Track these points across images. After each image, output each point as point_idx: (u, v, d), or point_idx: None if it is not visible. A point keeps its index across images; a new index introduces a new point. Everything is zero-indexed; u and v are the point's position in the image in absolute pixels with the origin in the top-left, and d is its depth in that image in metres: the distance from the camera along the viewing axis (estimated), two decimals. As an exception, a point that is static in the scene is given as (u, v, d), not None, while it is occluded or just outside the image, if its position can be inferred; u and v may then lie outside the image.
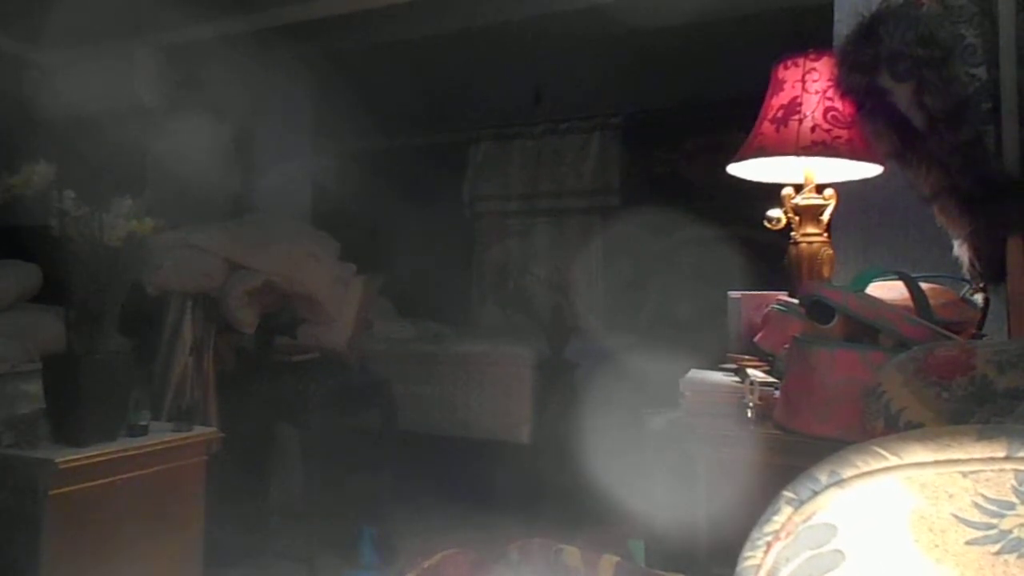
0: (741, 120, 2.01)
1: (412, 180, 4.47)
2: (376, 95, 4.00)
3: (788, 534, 0.54)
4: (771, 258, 2.01)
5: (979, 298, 1.57)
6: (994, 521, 0.51)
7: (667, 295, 3.94)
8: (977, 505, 0.51)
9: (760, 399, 1.47)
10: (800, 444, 1.34)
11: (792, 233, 1.79)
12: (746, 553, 0.56)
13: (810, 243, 1.75)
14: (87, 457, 1.94)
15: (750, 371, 1.62)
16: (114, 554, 1.99)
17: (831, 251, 1.76)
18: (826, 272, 1.74)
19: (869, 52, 1.54)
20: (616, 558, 1.09)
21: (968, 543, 0.51)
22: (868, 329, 1.35)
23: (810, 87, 1.73)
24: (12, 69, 3.53)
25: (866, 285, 1.41)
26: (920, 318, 1.33)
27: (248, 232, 3.27)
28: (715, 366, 1.76)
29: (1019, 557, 0.50)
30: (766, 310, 1.69)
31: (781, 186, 1.83)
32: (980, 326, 1.54)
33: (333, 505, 3.10)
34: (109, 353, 2.08)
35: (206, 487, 2.28)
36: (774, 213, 1.80)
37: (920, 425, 0.89)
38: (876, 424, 0.95)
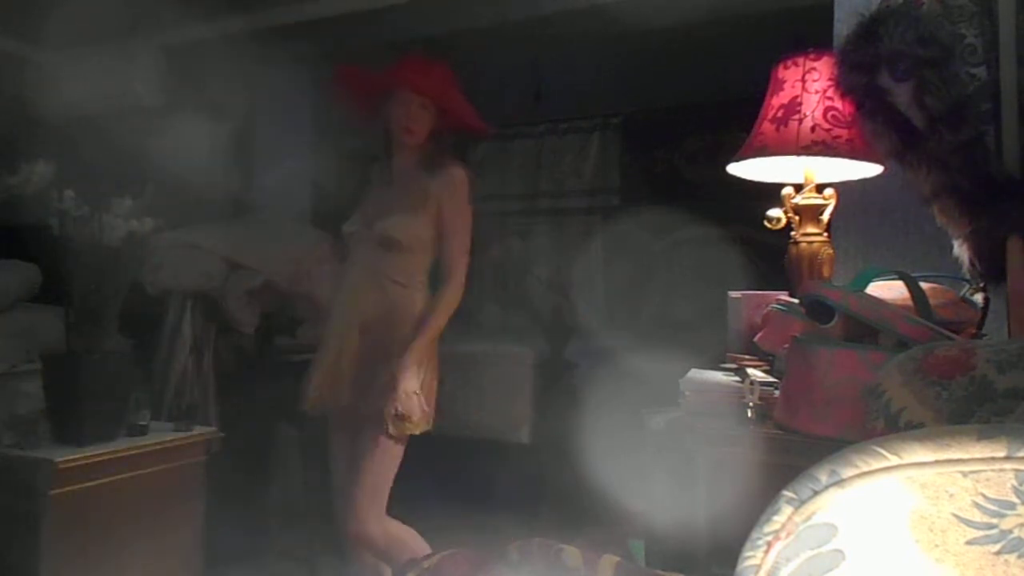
0: (741, 120, 2.01)
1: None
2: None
3: (788, 534, 0.54)
4: (771, 258, 2.01)
5: (979, 298, 1.57)
6: (994, 521, 0.51)
7: (667, 295, 3.93)
8: (977, 505, 0.51)
9: (760, 399, 1.47)
10: (800, 444, 1.34)
11: (792, 233, 1.79)
12: (746, 553, 0.56)
13: (810, 243, 1.75)
14: (87, 457, 1.94)
15: (750, 371, 1.62)
16: (114, 554, 1.99)
17: (831, 251, 1.76)
18: (826, 272, 1.74)
19: (869, 52, 1.54)
20: (616, 558, 1.09)
21: (968, 543, 0.51)
22: (868, 329, 1.35)
23: (810, 87, 1.73)
24: (12, 69, 3.53)
25: (866, 285, 1.41)
26: (920, 318, 1.33)
27: (248, 232, 3.28)
28: (715, 366, 1.76)
29: (1019, 557, 0.50)
30: (766, 310, 1.69)
31: (781, 186, 1.83)
32: (980, 326, 1.54)
33: (333, 505, 3.09)
34: (109, 353, 2.08)
35: (206, 487, 2.28)
36: (774, 213, 1.80)
37: (920, 425, 0.90)
38: (876, 424, 0.95)
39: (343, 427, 2.15)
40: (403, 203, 2.10)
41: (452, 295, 2.08)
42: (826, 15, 1.98)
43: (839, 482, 0.53)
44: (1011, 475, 0.51)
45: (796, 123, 1.70)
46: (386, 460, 2.05)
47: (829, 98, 1.69)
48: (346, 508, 2.08)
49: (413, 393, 2.00)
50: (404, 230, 2.08)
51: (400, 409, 1.98)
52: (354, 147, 3.73)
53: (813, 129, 1.68)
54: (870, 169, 1.75)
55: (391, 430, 2.01)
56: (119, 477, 2.02)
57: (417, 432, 2.07)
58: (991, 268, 1.51)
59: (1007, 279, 1.49)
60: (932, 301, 1.40)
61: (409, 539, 2.07)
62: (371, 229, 2.11)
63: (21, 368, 2.26)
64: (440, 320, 2.07)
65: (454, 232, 2.10)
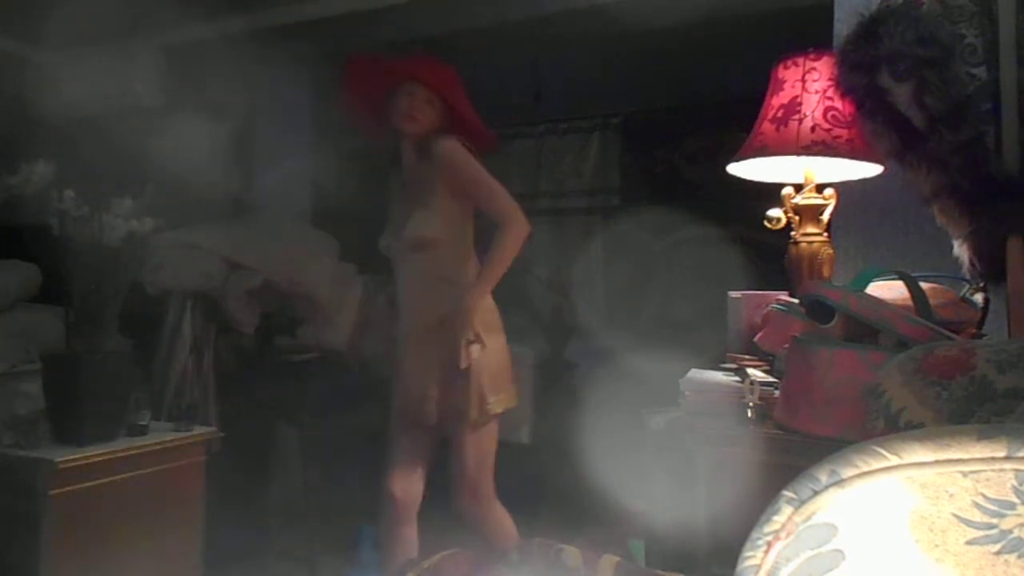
0: (741, 120, 2.01)
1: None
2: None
3: (788, 534, 0.54)
4: (771, 258, 2.01)
5: (979, 298, 1.57)
6: (994, 521, 0.51)
7: (667, 295, 3.93)
8: (977, 505, 0.51)
9: (760, 399, 1.47)
10: (800, 444, 1.34)
11: (792, 233, 1.79)
12: (746, 553, 0.56)
13: (810, 243, 1.75)
14: (87, 457, 1.94)
15: (750, 371, 1.62)
16: (114, 554, 1.99)
17: (831, 251, 1.76)
18: (826, 272, 1.74)
19: (869, 52, 1.54)
20: (616, 558, 1.09)
21: (968, 543, 0.51)
22: (868, 329, 1.35)
23: (810, 87, 1.73)
24: (12, 69, 3.53)
25: (866, 285, 1.41)
26: (920, 318, 1.33)
27: (248, 232, 3.27)
28: (715, 366, 1.76)
29: (1019, 557, 0.50)
30: (766, 310, 1.69)
31: (781, 186, 1.83)
32: (980, 326, 1.54)
33: (333, 505, 3.10)
34: (109, 353, 2.08)
35: (206, 487, 2.28)
36: (774, 213, 1.80)
37: (920, 425, 0.90)
38: (876, 424, 0.95)
39: (428, 430, 2.18)
40: (418, 200, 2.13)
41: (509, 240, 2.08)
42: (826, 15, 1.98)
43: (839, 482, 0.53)
44: (1011, 475, 0.51)
45: (796, 123, 1.70)
46: (483, 446, 2.12)
47: (829, 98, 1.69)
48: (459, 490, 2.15)
49: (469, 343, 2.01)
50: (428, 226, 2.09)
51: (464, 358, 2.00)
52: (354, 147, 3.74)
53: (813, 129, 1.68)
54: (870, 169, 1.75)
55: (474, 418, 2.06)
56: (119, 477, 2.02)
57: (500, 410, 2.09)
58: (991, 268, 1.51)
59: (1007, 279, 1.49)
60: (932, 301, 1.40)
61: (509, 526, 2.17)
62: (401, 239, 2.14)
63: (21, 368, 2.26)
64: (498, 266, 2.08)
65: (477, 192, 2.12)
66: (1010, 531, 0.50)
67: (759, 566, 0.55)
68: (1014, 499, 0.50)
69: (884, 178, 1.76)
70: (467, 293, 2.05)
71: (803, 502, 0.54)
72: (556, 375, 3.85)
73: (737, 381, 1.58)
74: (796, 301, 1.61)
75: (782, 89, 1.77)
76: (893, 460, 0.52)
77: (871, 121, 1.56)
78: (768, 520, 0.55)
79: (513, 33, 3.49)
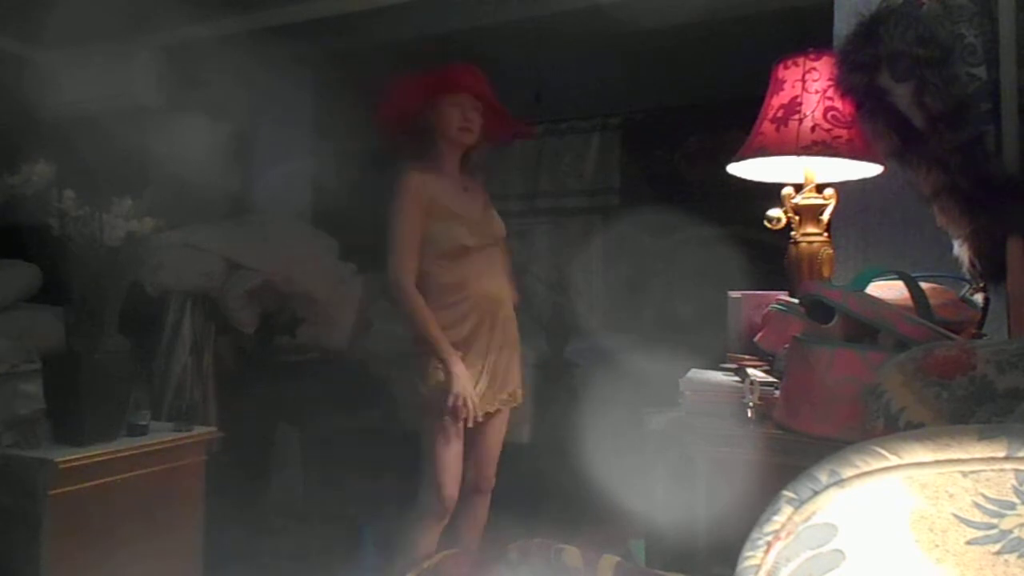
0: (741, 120, 2.01)
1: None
2: (376, 95, 3.97)
3: (788, 534, 0.54)
4: (771, 258, 2.01)
5: (979, 298, 1.57)
6: (994, 521, 0.51)
7: (667, 295, 3.93)
8: (977, 505, 0.51)
9: (760, 399, 1.47)
10: (800, 444, 1.34)
11: (792, 233, 1.79)
12: (746, 553, 0.56)
13: (810, 243, 1.75)
14: (87, 457, 1.94)
15: (750, 371, 1.62)
16: (114, 554, 1.99)
17: (831, 251, 1.76)
18: (826, 272, 1.74)
19: (869, 52, 1.54)
20: (616, 558, 1.09)
21: (968, 543, 0.51)
22: (868, 329, 1.35)
23: (810, 87, 1.73)
24: (12, 69, 3.53)
25: (866, 285, 1.41)
26: (920, 318, 1.33)
27: (248, 232, 3.28)
28: (715, 366, 1.76)
29: (1019, 557, 0.50)
30: (766, 310, 1.69)
31: (781, 186, 1.83)
32: (980, 326, 1.54)
33: (333, 505, 3.10)
34: (109, 353, 2.08)
35: (206, 487, 2.28)
36: (774, 213, 1.80)
37: (920, 425, 0.90)
38: (876, 424, 0.95)
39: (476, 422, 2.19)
40: (487, 205, 2.28)
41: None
42: (826, 15, 1.98)
43: (839, 482, 0.53)
44: (1011, 475, 0.51)
45: (796, 123, 1.70)
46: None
47: (829, 98, 1.69)
48: (486, 472, 2.24)
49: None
50: (503, 229, 2.28)
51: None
52: (354, 147, 3.74)
53: (813, 129, 1.68)
54: (870, 169, 1.75)
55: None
56: (119, 477, 2.02)
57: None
58: (991, 268, 1.51)
59: (1007, 279, 1.49)
60: (932, 301, 1.40)
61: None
62: (491, 236, 2.21)
63: (21, 368, 2.26)
64: None
65: None
66: (1010, 531, 0.50)
67: (759, 566, 0.55)
68: (1014, 499, 0.50)
69: (884, 178, 1.76)
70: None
71: (803, 502, 0.54)
72: (556, 375, 3.85)
73: (737, 381, 1.58)
74: (796, 301, 1.61)
75: (782, 89, 1.77)
76: (893, 460, 0.52)
77: (871, 121, 1.56)
78: (768, 520, 0.55)
79: (513, 33, 3.49)
